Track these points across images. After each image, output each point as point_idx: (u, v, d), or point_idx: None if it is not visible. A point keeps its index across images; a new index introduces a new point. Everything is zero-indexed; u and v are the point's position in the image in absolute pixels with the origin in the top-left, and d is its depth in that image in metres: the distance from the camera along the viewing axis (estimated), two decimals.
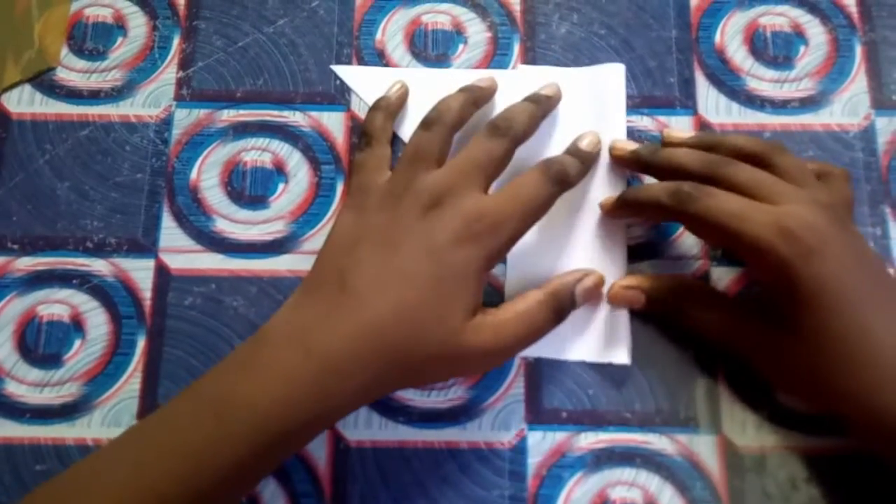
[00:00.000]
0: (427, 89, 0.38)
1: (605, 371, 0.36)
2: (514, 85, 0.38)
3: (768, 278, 0.32)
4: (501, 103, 0.38)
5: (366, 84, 0.40)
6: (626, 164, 0.37)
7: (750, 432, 0.35)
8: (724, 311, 0.34)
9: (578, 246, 0.37)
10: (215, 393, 0.30)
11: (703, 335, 0.35)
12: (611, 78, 0.39)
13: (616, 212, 0.36)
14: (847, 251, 0.31)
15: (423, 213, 0.31)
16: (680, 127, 0.39)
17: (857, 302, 0.31)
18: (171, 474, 0.28)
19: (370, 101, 0.39)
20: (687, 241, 0.38)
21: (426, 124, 0.34)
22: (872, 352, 0.30)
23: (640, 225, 0.38)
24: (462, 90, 0.36)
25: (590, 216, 0.37)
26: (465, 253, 0.31)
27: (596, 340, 0.36)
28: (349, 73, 0.41)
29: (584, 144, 0.36)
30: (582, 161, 0.35)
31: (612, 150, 0.37)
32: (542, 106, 0.36)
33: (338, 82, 0.40)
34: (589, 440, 0.35)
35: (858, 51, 0.41)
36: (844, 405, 0.31)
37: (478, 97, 0.37)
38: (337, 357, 0.29)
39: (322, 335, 0.30)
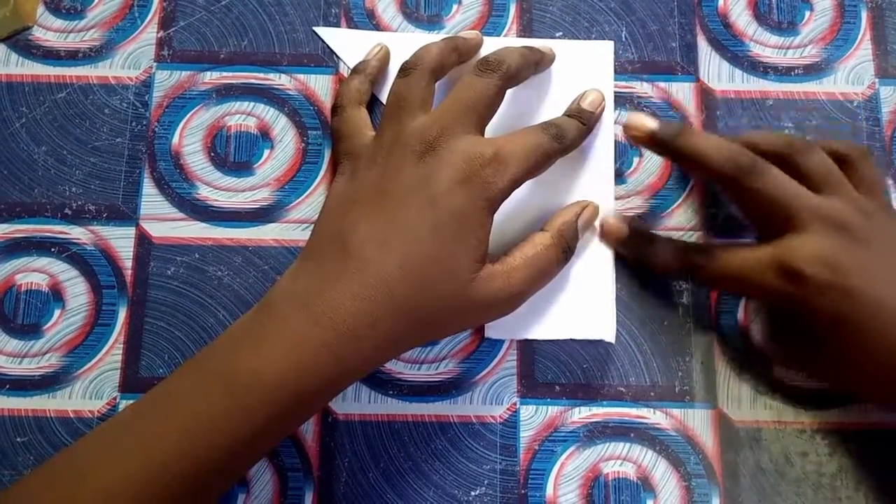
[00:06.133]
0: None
1: (599, 345, 0.35)
2: None
3: (789, 311, 0.33)
4: None
5: (349, 47, 0.39)
6: (644, 143, 0.34)
7: (745, 406, 0.35)
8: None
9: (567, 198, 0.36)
10: (222, 366, 0.28)
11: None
12: (599, 55, 0.38)
13: (655, 149, 0.34)
14: (875, 269, 0.30)
15: (416, 160, 0.30)
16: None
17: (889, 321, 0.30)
18: (181, 449, 0.27)
19: (352, 65, 0.38)
20: (686, 212, 0.37)
21: (403, 70, 0.33)
22: None
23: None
24: (443, 38, 0.35)
25: (576, 176, 0.36)
26: (465, 193, 0.29)
27: (582, 317, 0.35)
28: (333, 36, 0.39)
29: (587, 104, 0.35)
30: (583, 122, 0.34)
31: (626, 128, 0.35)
32: (534, 53, 0.34)
33: (325, 43, 0.39)
34: (582, 414, 0.35)
35: (864, 17, 0.40)
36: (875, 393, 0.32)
37: (459, 44, 0.35)
38: (347, 320, 0.28)
39: (329, 300, 0.28)
